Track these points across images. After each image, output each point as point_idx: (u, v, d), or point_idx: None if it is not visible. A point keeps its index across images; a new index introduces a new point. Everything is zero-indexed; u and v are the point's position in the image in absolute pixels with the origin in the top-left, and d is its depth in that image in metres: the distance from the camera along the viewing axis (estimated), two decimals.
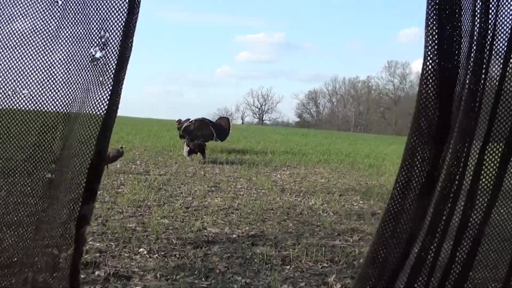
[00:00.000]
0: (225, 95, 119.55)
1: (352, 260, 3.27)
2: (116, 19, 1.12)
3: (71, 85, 1.19)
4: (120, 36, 1.12)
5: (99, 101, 1.13)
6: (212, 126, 10.39)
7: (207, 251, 3.31)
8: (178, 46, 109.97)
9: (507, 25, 1.05)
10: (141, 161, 8.66)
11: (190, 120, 10.20)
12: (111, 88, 1.11)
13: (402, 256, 1.02)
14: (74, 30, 1.18)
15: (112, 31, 1.12)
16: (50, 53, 1.21)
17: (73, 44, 1.19)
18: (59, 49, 1.22)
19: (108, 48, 1.12)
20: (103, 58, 1.13)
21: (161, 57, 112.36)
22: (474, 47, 1.02)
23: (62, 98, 1.21)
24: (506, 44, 1.04)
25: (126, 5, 1.10)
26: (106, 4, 1.12)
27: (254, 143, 15.97)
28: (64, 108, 1.20)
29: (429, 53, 0.99)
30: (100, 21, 1.13)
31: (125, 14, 1.11)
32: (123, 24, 1.12)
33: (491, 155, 1.08)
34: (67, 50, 1.21)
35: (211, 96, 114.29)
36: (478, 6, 1.02)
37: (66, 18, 1.18)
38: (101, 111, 1.12)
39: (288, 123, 76.32)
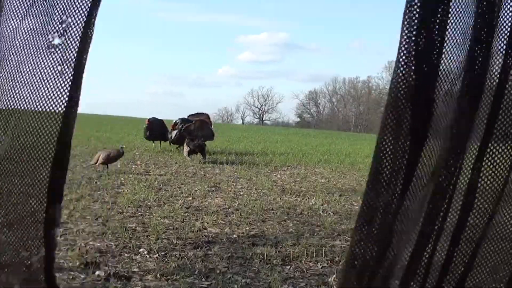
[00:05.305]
0: (227, 95, 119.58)
1: None
2: (79, 4, 1.01)
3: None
4: (82, 23, 1.00)
5: (59, 93, 1.02)
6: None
7: (207, 251, 3.31)
8: (179, 46, 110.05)
9: (507, 18, 1.02)
10: (142, 161, 8.66)
11: (185, 120, 10.13)
12: (71, 79, 1.01)
13: (381, 255, 1.00)
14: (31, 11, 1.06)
15: (75, 16, 1.00)
16: None
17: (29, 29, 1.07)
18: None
19: (69, 35, 1.01)
20: (62, 45, 1.01)
21: (163, 57, 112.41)
22: (469, 43, 1.00)
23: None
24: (506, 38, 1.02)
25: None
26: None
27: (255, 143, 15.96)
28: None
29: (403, 48, 0.94)
30: (63, 4, 1.01)
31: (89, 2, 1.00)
32: (87, 10, 1.00)
33: (491, 155, 1.06)
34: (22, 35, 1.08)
35: (212, 96, 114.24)
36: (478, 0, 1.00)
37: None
38: (61, 104, 1.02)
39: (289, 123, 76.17)
